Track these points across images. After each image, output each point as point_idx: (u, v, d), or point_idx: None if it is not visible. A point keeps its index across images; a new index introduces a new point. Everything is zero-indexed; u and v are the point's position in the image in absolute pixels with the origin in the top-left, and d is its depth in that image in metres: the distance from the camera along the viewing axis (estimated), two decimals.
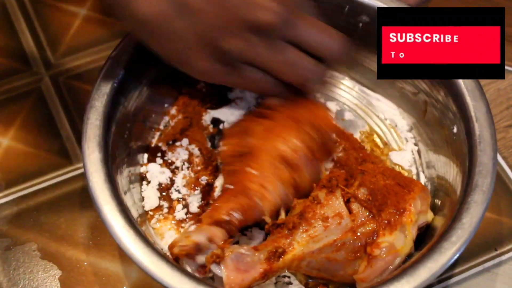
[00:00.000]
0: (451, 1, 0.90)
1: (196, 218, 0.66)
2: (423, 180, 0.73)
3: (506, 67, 0.84)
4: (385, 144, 0.76)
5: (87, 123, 0.64)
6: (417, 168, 0.75)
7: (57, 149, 0.76)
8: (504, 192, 0.76)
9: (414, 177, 0.74)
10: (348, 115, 0.78)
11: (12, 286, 0.68)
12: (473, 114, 0.65)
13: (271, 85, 0.66)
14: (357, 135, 0.77)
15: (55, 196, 0.73)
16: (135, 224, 0.60)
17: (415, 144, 0.76)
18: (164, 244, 0.68)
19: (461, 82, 0.66)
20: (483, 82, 0.81)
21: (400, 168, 0.74)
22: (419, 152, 0.75)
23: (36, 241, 0.71)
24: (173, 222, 0.70)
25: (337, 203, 0.63)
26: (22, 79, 0.82)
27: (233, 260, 0.61)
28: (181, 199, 0.71)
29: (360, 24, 0.74)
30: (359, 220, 0.62)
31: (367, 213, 0.62)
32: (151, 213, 0.71)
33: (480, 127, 0.64)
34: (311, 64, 0.65)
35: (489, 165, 0.62)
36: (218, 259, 0.61)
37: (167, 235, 0.69)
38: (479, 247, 0.72)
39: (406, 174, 0.74)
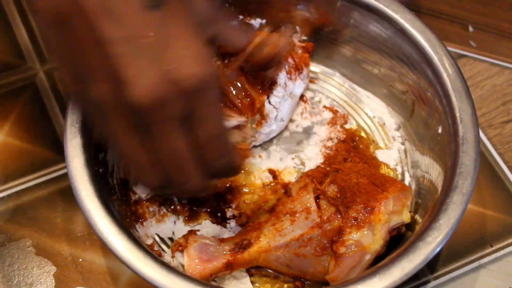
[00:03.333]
0: (439, 2, 0.90)
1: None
2: (407, 179, 0.73)
3: (501, 63, 0.85)
4: (372, 141, 0.76)
5: (71, 108, 0.64)
6: (402, 167, 0.74)
7: (52, 144, 0.76)
8: (499, 188, 0.76)
9: (399, 176, 0.74)
10: None
11: (6, 282, 0.68)
12: (458, 115, 0.64)
13: None
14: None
15: (50, 192, 0.73)
16: (112, 211, 0.60)
17: (402, 143, 0.76)
18: (144, 230, 0.69)
19: (448, 82, 0.66)
20: (479, 78, 0.82)
21: (385, 166, 0.74)
22: (405, 151, 0.75)
23: (31, 237, 0.71)
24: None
25: (307, 198, 0.63)
26: (17, 74, 0.81)
27: (196, 249, 0.63)
28: None
29: (351, 21, 0.74)
30: (325, 217, 0.62)
31: (334, 210, 0.62)
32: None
33: (464, 129, 0.64)
34: (199, 173, 0.55)
35: (470, 166, 0.62)
36: (181, 248, 0.64)
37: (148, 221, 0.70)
38: (475, 243, 0.72)
39: (391, 172, 0.74)
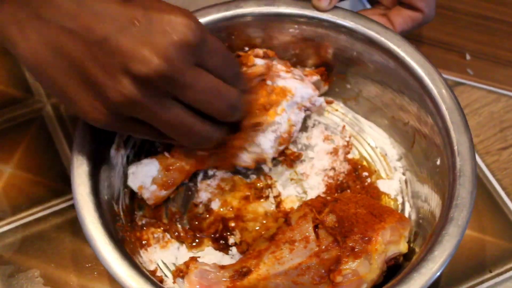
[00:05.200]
0: (437, 31, 0.92)
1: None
2: (408, 209, 0.74)
3: (499, 90, 0.86)
4: (374, 171, 0.77)
5: (77, 136, 0.66)
6: (403, 197, 0.75)
7: (59, 176, 0.78)
8: (497, 214, 0.77)
9: (399, 206, 0.75)
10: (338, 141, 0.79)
11: None
12: (455, 148, 0.65)
13: (160, 138, 0.63)
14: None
15: (58, 223, 0.75)
16: (116, 238, 0.62)
17: (403, 174, 0.76)
18: (148, 256, 0.70)
19: (446, 114, 0.67)
20: (476, 105, 0.83)
21: (386, 196, 0.75)
22: (406, 181, 0.76)
23: (39, 267, 0.72)
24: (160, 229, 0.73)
25: (306, 227, 0.64)
26: (25, 107, 0.83)
27: (197, 275, 0.64)
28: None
29: (354, 53, 0.74)
30: (323, 246, 0.63)
31: (332, 239, 0.63)
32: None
33: (462, 161, 0.64)
34: (203, 131, 0.61)
35: (466, 199, 0.62)
36: (182, 274, 0.65)
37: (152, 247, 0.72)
38: (474, 269, 0.73)
39: (392, 202, 0.75)
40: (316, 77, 0.76)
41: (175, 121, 0.58)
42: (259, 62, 0.73)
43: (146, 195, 0.70)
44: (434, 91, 0.68)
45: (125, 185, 0.71)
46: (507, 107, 0.84)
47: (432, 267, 0.59)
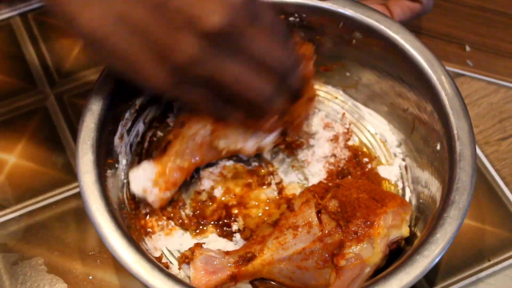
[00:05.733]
0: (437, 23, 0.92)
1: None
2: (408, 194, 0.75)
3: (498, 81, 0.86)
4: (374, 158, 0.78)
5: (82, 125, 0.66)
6: (403, 183, 0.76)
7: (63, 165, 0.78)
8: (496, 204, 0.77)
9: (400, 191, 0.75)
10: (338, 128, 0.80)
11: None
12: (455, 132, 0.66)
13: (222, 107, 0.65)
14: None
15: (61, 211, 0.75)
16: (122, 225, 0.62)
17: (403, 159, 0.77)
18: (152, 243, 0.71)
19: (446, 100, 0.67)
20: (476, 96, 0.83)
21: (387, 182, 0.76)
22: (406, 167, 0.76)
23: (43, 255, 0.72)
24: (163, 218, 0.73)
25: (309, 212, 0.65)
26: (28, 97, 0.83)
27: (202, 261, 0.65)
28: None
29: (354, 41, 0.75)
30: (326, 231, 0.64)
31: (335, 224, 0.64)
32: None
33: (461, 145, 0.65)
34: (271, 82, 0.62)
35: (467, 182, 0.63)
36: (187, 260, 0.66)
37: (157, 234, 0.72)
38: (473, 258, 0.74)
39: (392, 188, 0.75)
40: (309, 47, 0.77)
41: (241, 76, 0.60)
42: None
43: (150, 199, 0.70)
44: (434, 78, 0.69)
45: (128, 175, 0.72)
46: (506, 98, 0.85)
47: (435, 249, 0.60)
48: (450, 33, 0.91)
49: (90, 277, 0.71)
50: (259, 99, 0.63)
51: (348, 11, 0.73)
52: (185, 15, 0.55)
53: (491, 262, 0.74)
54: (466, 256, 0.74)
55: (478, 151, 0.80)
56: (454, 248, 0.74)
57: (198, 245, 0.67)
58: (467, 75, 0.87)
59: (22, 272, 0.71)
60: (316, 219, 0.65)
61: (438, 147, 0.69)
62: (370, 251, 0.63)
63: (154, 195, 0.70)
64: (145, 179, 0.70)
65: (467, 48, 0.89)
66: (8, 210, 0.75)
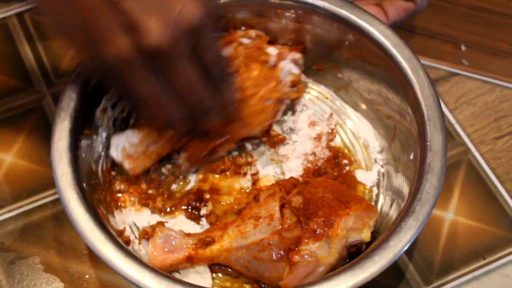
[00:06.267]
0: (432, 22, 0.92)
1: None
2: (381, 201, 0.75)
3: (493, 81, 0.86)
4: (354, 161, 0.78)
5: (64, 94, 0.68)
6: (378, 189, 0.76)
7: None
8: (491, 202, 0.77)
9: (374, 197, 0.75)
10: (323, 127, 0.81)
11: None
12: (428, 144, 0.66)
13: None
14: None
15: (58, 211, 0.75)
16: (86, 193, 0.64)
17: (382, 166, 0.77)
18: (121, 217, 0.72)
19: (424, 111, 0.67)
20: (471, 95, 0.84)
21: (363, 186, 0.76)
22: (384, 174, 0.76)
23: (40, 254, 0.73)
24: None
25: (273, 205, 0.66)
26: (25, 97, 0.84)
27: (161, 239, 0.67)
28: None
29: (346, 42, 0.75)
30: (286, 225, 0.64)
31: (295, 220, 0.64)
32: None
33: (432, 157, 0.65)
34: (182, 112, 0.64)
35: (431, 194, 0.63)
36: (147, 236, 0.68)
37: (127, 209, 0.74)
38: (468, 256, 0.74)
39: (367, 193, 0.76)
40: (298, 54, 0.78)
41: (154, 95, 0.61)
42: (272, 51, 0.75)
43: (127, 165, 0.72)
44: (417, 87, 0.69)
45: (108, 148, 0.73)
46: (501, 97, 0.85)
47: (386, 257, 0.60)
48: (446, 32, 0.91)
49: (87, 276, 0.72)
50: (165, 121, 0.64)
51: (344, 12, 0.73)
52: (132, 17, 0.55)
53: (487, 261, 0.74)
54: (461, 254, 0.74)
55: (473, 150, 0.80)
56: (449, 247, 0.74)
57: (160, 223, 0.69)
58: (462, 74, 0.87)
59: (19, 271, 0.72)
60: (279, 212, 0.65)
61: (412, 156, 0.69)
62: (325, 251, 0.63)
63: (132, 161, 0.72)
64: (125, 145, 0.71)
65: (463, 47, 0.89)
66: (5, 210, 0.76)
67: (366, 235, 0.66)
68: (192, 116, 0.65)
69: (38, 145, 0.80)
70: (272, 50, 0.76)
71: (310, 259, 0.63)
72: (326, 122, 0.80)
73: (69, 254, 0.73)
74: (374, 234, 0.67)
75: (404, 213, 0.62)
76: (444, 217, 0.76)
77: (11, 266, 0.72)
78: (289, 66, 0.76)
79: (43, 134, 0.81)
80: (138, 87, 0.60)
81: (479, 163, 0.80)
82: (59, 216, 0.75)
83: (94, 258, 0.72)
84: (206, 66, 0.61)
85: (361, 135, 0.79)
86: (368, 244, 0.66)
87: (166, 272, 0.64)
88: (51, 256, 0.73)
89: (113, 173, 0.74)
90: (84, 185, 0.65)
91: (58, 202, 0.76)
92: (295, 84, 0.78)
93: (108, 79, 0.64)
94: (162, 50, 0.56)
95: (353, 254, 0.66)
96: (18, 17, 0.90)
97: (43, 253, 0.73)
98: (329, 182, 0.69)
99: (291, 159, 0.78)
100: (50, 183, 0.76)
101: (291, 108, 0.80)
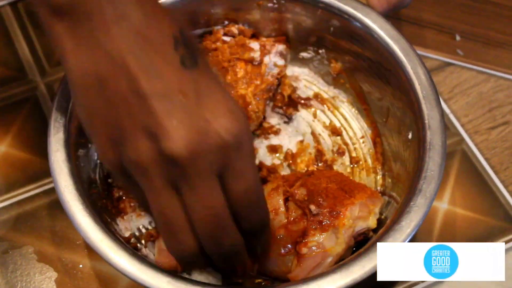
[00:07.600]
0: (427, 12, 0.92)
1: None
2: (380, 182, 0.75)
3: (488, 71, 0.86)
4: (353, 147, 0.78)
5: (56, 103, 0.67)
6: (379, 173, 0.76)
7: None
8: (486, 192, 0.77)
9: (380, 179, 0.75)
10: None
11: None
12: (426, 122, 0.66)
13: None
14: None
15: (51, 201, 0.75)
16: (90, 204, 0.63)
17: (382, 150, 0.77)
18: (124, 224, 0.72)
19: (419, 90, 0.67)
20: (465, 85, 0.84)
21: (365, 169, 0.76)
22: (383, 155, 0.77)
23: (33, 244, 0.73)
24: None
25: (277, 199, 0.65)
26: (18, 87, 0.83)
27: None
28: None
29: (331, 29, 0.76)
30: (292, 218, 0.64)
31: (300, 212, 0.64)
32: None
33: (432, 135, 0.65)
34: (186, 244, 0.54)
35: (435, 171, 0.63)
36: (152, 238, 0.67)
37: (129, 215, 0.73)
38: None
39: (373, 175, 0.76)
40: (281, 46, 0.78)
41: (166, 211, 0.52)
42: (255, 46, 0.76)
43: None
44: (408, 67, 0.69)
45: None
46: (496, 87, 0.85)
47: (399, 237, 0.60)
48: (440, 22, 0.90)
49: (80, 266, 0.72)
50: (175, 250, 0.56)
51: None
52: (156, 120, 0.49)
53: None
54: None
55: (468, 140, 0.80)
56: (444, 236, 0.74)
57: None
58: (457, 64, 0.87)
59: (13, 260, 0.72)
60: (283, 206, 0.65)
61: (410, 136, 0.69)
62: (333, 241, 0.63)
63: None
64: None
65: (457, 38, 0.89)
66: None
67: (372, 222, 0.66)
68: (208, 253, 0.55)
69: (32, 134, 0.80)
70: (256, 45, 0.76)
71: (317, 250, 0.62)
72: (319, 108, 0.80)
73: (63, 243, 0.73)
74: (380, 219, 0.67)
75: (412, 193, 0.62)
76: (438, 207, 0.76)
77: (4, 256, 0.72)
78: (274, 59, 0.77)
79: (37, 123, 0.81)
80: (153, 200, 0.52)
81: (474, 153, 0.80)
82: (53, 206, 0.75)
83: (88, 248, 0.72)
84: (231, 201, 0.52)
85: (353, 120, 0.80)
86: (375, 230, 0.66)
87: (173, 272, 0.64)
88: (44, 246, 0.73)
89: (109, 180, 0.74)
90: (87, 194, 0.64)
91: (51, 192, 0.76)
92: (280, 74, 0.78)
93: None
94: (180, 160, 0.49)
95: (360, 243, 0.66)
96: (11, 7, 0.90)
97: (36, 243, 0.73)
98: (332, 172, 0.69)
99: (287, 145, 0.78)
100: (43, 173, 0.77)
101: (282, 100, 0.80)
